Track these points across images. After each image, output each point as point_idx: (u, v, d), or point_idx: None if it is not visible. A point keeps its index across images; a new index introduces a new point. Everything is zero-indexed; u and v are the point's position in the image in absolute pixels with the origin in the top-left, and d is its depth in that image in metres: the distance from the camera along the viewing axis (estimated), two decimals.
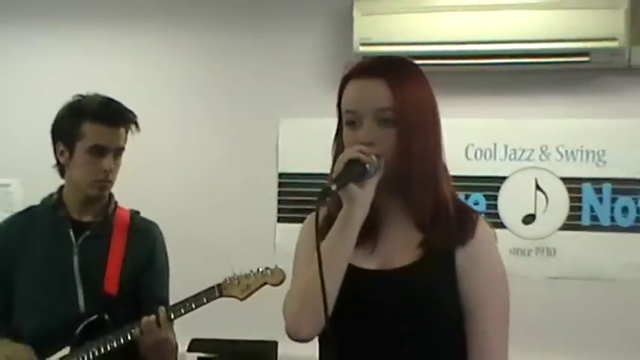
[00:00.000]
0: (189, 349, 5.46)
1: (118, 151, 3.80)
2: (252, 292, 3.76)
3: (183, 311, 3.71)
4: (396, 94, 2.46)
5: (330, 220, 2.47)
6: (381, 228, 2.56)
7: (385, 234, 2.56)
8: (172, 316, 3.66)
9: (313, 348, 2.52)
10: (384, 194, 2.48)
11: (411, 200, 2.51)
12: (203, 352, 5.51)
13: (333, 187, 2.34)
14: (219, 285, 3.74)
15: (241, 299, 3.75)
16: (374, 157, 2.39)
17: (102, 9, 5.88)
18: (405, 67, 2.59)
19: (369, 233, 2.51)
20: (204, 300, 3.75)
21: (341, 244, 2.40)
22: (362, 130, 2.46)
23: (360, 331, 2.46)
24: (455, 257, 2.49)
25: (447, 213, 2.52)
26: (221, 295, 3.74)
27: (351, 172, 2.36)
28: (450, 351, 2.51)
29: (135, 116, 3.87)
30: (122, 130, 3.81)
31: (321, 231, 2.36)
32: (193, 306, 3.74)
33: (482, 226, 2.54)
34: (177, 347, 3.89)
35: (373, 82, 2.49)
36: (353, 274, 2.42)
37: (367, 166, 2.37)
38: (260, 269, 3.76)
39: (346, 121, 2.51)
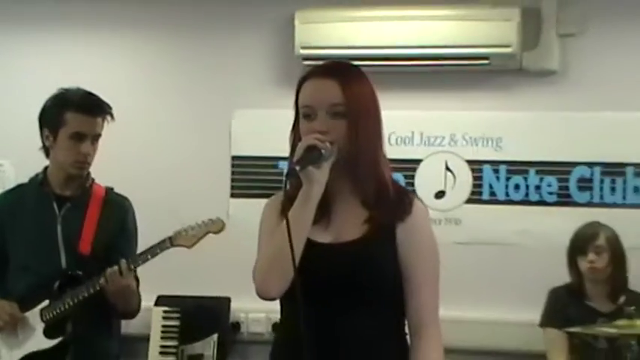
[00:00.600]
0: (156, 304, 5.52)
1: (96, 137, 3.82)
2: (198, 241, 3.76)
3: (140, 262, 3.72)
4: (345, 92, 2.50)
5: (291, 199, 2.47)
6: (333, 207, 2.57)
7: (337, 212, 2.58)
8: (132, 266, 3.65)
9: (256, 303, 2.61)
10: (335, 177, 2.50)
11: (358, 182, 2.55)
12: (167, 306, 5.55)
13: (297, 169, 2.39)
14: (170, 237, 3.74)
15: (189, 247, 3.76)
16: (328, 144, 2.43)
17: (85, 20, 5.83)
18: (352, 70, 2.64)
19: (324, 212, 2.53)
20: (158, 250, 3.75)
21: (302, 217, 2.43)
22: (317, 122, 2.50)
23: (317, 294, 2.44)
24: (395, 231, 2.53)
25: (388, 193, 2.56)
26: (172, 245, 3.74)
27: (309, 156, 2.40)
28: (391, 307, 2.55)
29: (110, 108, 3.88)
30: (99, 119, 3.82)
31: (285, 207, 2.45)
32: (149, 256, 3.74)
33: (417, 204, 2.59)
34: (140, 295, 3.88)
35: (326, 82, 2.53)
36: (311, 246, 2.46)
37: (323, 151, 2.41)
38: (203, 220, 3.77)
39: (303, 114, 2.55)
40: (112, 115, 3.88)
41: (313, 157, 2.40)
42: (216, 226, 3.76)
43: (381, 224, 2.53)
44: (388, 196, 2.55)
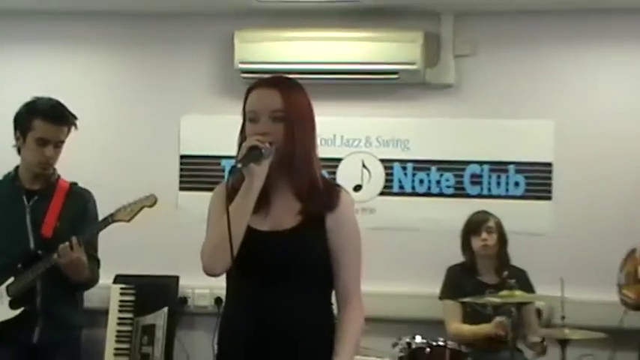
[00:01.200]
0: (114, 282, 5.50)
1: (58, 143, 3.78)
2: (135, 215, 3.73)
3: (88, 236, 3.70)
4: (284, 100, 2.50)
5: (235, 190, 2.47)
6: (271, 199, 2.55)
7: (274, 204, 2.56)
8: (80, 241, 3.60)
9: (201, 280, 2.64)
10: (274, 173, 2.49)
11: (293, 178, 2.54)
12: (124, 283, 5.54)
13: (239, 166, 2.39)
14: (111, 214, 3.74)
15: (127, 221, 3.73)
16: (268, 145, 2.43)
17: (58, 39, 5.84)
18: (291, 82, 2.64)
19: (263, 203, 2.51)
20: (102, 225, 3.76)
21: (244, 207, 2.43)
22: (259, 125, 2.49)
23: (256, 274, 2.47)
24: (325, 220, 2.53)
25: (319, 188, 2.55)
26: (113, 221, 3.73)
27: (251, 155, 2.40)
28: (320, 284, 2.55)
29: (75, 118, 3.84)
30: (64, 128, 3.79)
31: (229, 198, 2.42)
32: (94, 231, 3.78)
33: (344, 196, 2.60)
34: (95, 273, 3.83)
35: (269, 91, 2.53)
36: (251, 233, 2.46)
37: (263, 150, 2.41)
38: (139, 197, 3.75)
39: (248, 118, 2.53)
40: (75, 125, 3.86)
41: (254, 155, 2.41)
42: (149, 201, 3.75)
43: (313, 214, 2.53)
44: (319, 190, 2.55)
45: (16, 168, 3.88)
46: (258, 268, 2.47)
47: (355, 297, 2.59)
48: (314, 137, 2.61)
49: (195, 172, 5.70)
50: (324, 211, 2.54)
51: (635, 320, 4.65)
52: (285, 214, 2.55)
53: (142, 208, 3.74)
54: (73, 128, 3.86)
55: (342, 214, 2.56)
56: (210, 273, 2.48)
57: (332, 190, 2.59)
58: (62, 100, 3.91)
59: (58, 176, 3.92)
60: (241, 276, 2.44)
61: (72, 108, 3.88)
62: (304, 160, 2.54)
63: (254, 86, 2.60)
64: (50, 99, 3.87)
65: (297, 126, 2.52)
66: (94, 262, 3.85)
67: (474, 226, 4.95)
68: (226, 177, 2.60)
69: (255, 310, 2.46)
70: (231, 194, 2.45)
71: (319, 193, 2.55)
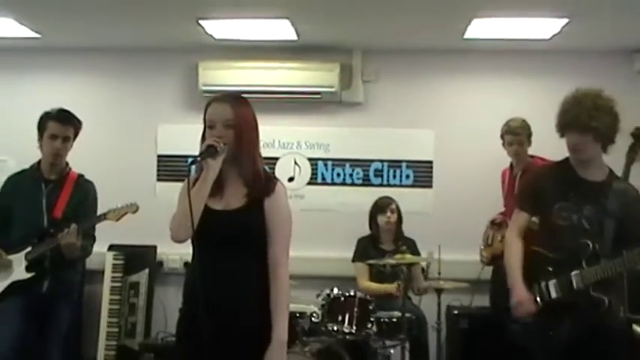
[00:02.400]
0: (108, 250, 5.49)
1: (65, 139, 3.74)
2: (120, 218, 3.64)
3: (85, 227, 3.64)
4: (234, 112, 2.48)
5: (196, 179, 2.46)
6: (224, 185, 2.52)
7: (226, 189, 2.53)
8: (79, 229, 3.56)
9: (173, 249, 2.66)
10: (226, 166, 2.48)
11: (241, 170, 2.51)
12: (116, 251, 5.53)
13: (199, 159, 2.42)
14: (103, 214, 3.69)
15: (115, 221, 3.65)
16: (222, 145, 2.43)
17: (63, 68, 5.82)
18: (239, 98, 2.61)
19: (217, 189, 2.49)
20: (96, 221, 3.72)
21: (202, 190, 2.42)
22: (215, 130, 2.47)
23: (211, 243, 2.42)
24: (264, 203, 2.50)
25: (260, 178, 2.53)
26: (105, 219, 3.67)
27: (209, 151, 2.42)
28: (259, 256, 2.49)
29: (79, 122, 3.81)
30: (70, 127, 3.75)
31: (192, 184, 2.42)
32: (91, 224, 3.72)
33: (279, 186, 2.57)
34: (86, 249, 3.75)
35: (222, 105, 2.51)
36: (208, 211, 2.45)
37: (218, 148, 2.41)
38: (126, 204, 3.65)
39: (207, 125, 2.51)
40: (79, 127, 3.82)
41: (211, 152, 2.41)
42: (132, 208, 3.65)
43: (255, 198, 2.50)
44: (260, 180, 2.53)
45: (38, 161, 3.84)
46: (213, 238, 2.44)
47: (282, 268, 2.53)
48: (257, 140, 2.59)
49: (169, 167, 5.67)
50: (263, 196, 2.51)
51: (487, 274, 4.71)
52: (234, 197, 2.52)
53: (125, 214, 3.65)
54: (78, 130, 3.82)
55: (277, 200, 2.54)
56: (176, 240, 2.47)
57: (270, 181, 2.57)
58: None
59: (70, 169, 3.87)
60: (199, 244, 2.41)
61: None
62: (249, 157, 2.52)
63: (211, 101, 2.58)
64: (60, 108, 3.85)
65: (244, 131, 2.50)
66: (91, 238, 3.80)
67: (381, 207, 5.00)
68: (191, 169, 2.57)
69: (209, 271, 2.41)
70: (194, 183, 2.45)
71: (261, 182, 2.53)
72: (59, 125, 3.75)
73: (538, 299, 3.03)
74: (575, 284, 2.92)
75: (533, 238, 3.14)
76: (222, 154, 2.44)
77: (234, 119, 2.49)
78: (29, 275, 3.64)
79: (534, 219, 3.19)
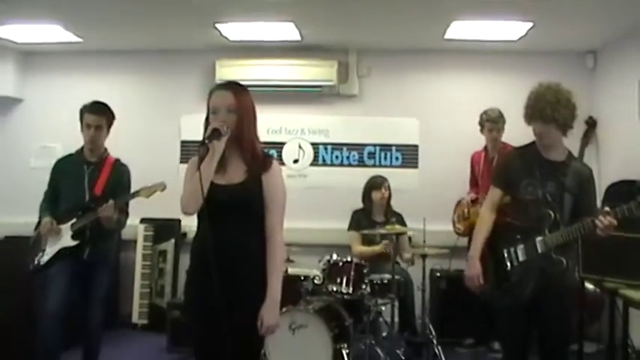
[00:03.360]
0: (140, 222, 5.52)
1: (98, 127, 3.71)
2: (150, 195, 3.59)
3: (120, 202, 3.62)
4: (236, 99, 2.45)
5: (202, 158, 2.40)
6: (227, 164, 2.48)
7: (229, 166, 2.49)
8: (115, 204, 3.55)
9: (193, 222, 2.49)
10: (229, 147, 2.44)
11: (241, 150, 2.48)
12: (147, 224, 5.56)
13: (207, 141, 2.38)
14: (137, 191, 3.64)
15: (146, 197, 3.60)
16: (225, 128, 2.40)
17: (99, 68, 5.83)
18: (239, 86, 2.54)
19: (221, 166, 2.45)
20: (129, 197, 3.68)
21: (209, 168, 2.38)
22: (219, 115, 2.44)
23: (216, 214, 2.36)
24: (262, 178, 2.48)
25: (258, 157, 2.50)
26: (138, 195, 3.62)
27: (214, 134, 2.38)
28: (258, 224, 2.47)
29: (111, 112, 3.78)
30: (102, 117, 3.73)
31: (200, 162, 2.38)
32: (125, 200, 3.68)
33: (275, 163, 2.53)
34: (121, 222, 3.71)
35: (225, 92, 2.47)
36: (213, 186, 2.40)
37: (222, 131, 2.38)
38: (155, 183, 3.59)
39: (211, 111, 2.47)
40: (112, 117, 3.78)
41: (216, 134, 2.38)
42: (160, 187, 3.59)
43: (254, 174, 2.48)
44: (258, 158, 2.50)
45: (82, 147, 3.83)
46: (218, 209, 2.38)
47: (277, 234, 2.49)
48: (256, 124, 2.54)
49: (190, 151, 5.60)
50: (261, 172, 2.49)
51: (463, 242, 4.70)
52: (235, 174, 2.49)
53: (155, 192, 3.61)
54: (111, 120, 3.77)
55: (273, 175, 2.51)
56: (187, 212, 2.42)
57: (267, 159, 2.53)
58: None
59: (108, 154, 3.86)
60: (206, 214, 2.36)
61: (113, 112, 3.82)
62: (249, 139, 2.49)
63: (214, 88, 2.55)
64: (94, 101, 3.82)
65: (245, 116, 2.47)
66: (125, 213, 3.77)
67: (376, 184, 4.95)
68: (200, 150, 2.48)
69: (214, 239, 2.35)
70: (199, 163, 2.41)
71: (259, 160, 2.50)
72: (92, 116, 3.73)
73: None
74: (539, 248, 2.95)
75: (507, 210, 3.17)
76: (226, 136, 2.41)
77: (236, 105, 2.45)
78: (74, 243, 3.65)
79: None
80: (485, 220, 3.15)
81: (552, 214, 2.93)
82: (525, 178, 3.01)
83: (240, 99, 2.47)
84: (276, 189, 2.52)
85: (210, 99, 2.50)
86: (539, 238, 2.95)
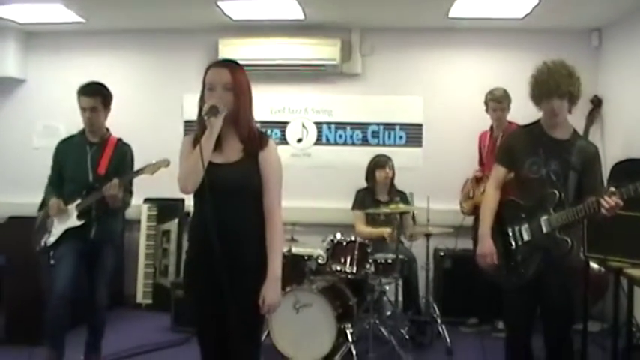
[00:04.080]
0: (144, 202, 5.54)
1: (93, 109, 3.67)
2: (155, 172, 3.57)
3: (124, 180, 3.62)
4: (232, 76, 2.41)
5: (197, 138, 2.38)
6: (223, 142, 2.45)
7: (225, 146, 2.46)
8: (120, 182, 3.55)
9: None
10: (225, 125, 2.39)
11: (238, 128, 2.45)
12: (150, 204, 5.59)
13: (205, 118, 2.34)
14: (141, 168, 3.63)
15: (151, 174, 3.59)
16: (222, 106, 2.36)
17: (100, 48, 5.81)
18: (236, 64, 2.49)
19: (218, 145, 2.41)
20: (134, 176, 3.67)
21: (207, 145, 2.34)
22: (216, 92, 2.40)
23: (213, 192, 2.31)
24: (258, 156, 2.45)
25: (254, 135, 2.47)
26: (142, 173, 3.61)
27: (212, 111, 2.34)
28: (256, 202, 2.44)
29: (108, 91, 3.72)
30: (96, 98, 3.67)
31: (197, 141, 2.36)
32: (129, 178, 3.68)
33: (271, 142, 2.51)
34: (125, 201, 3.72)
35: (222, 70, 2.44)
36: (210, 165, 2.36)
37: (219, 109, 2.35)
38: (159, 159, 3.57)
39: (207, 88, 2.43)
40: (107, 97, 3.73)
41: (214, 111, 2.34)
42: (164, 163, 3.57)
43: (250, 152, 2.46)
44: (254, 137, 2.48)
45: (83, 128, 3.79)
46: (215, 188, 2.34)
47: (276, 212, 2.47)
48: (251, 102, 2.49)
49: (193, 130, 5.51)
50: (257, 150, 2.46)
51: (469, 221, 4.70)
52: (232, 152, 2.46)
53: (159, 168, 3.59)
54: (108, 99, 3.72)
55: (269, 153, 2.48)
56: (184, 191, 2.40)
57: (262, 138, 2.51)
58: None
59: (110, 134, 3.84)
60: (204, 193, 2.32)
61: (114, 92, 3.77)
62: (245, 117, 2.46)
63: (211, 65, 2.49)
64: (88, 82, 3.76)
65: (241, 94, 2.43)
66: (129, 193, 3.78)
67: (380, 163, 4.91)
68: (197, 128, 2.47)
69: (214, 216, 2.33)
70: (195, 141, 2.41)
71: (254, 138, 2.48)
72: (85, 98, 3.70)
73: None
74: (544, 228, 2.95)
75: (510, 189, 3.16)
76: (223, 114, 2.37)
77: (233, 83, 2.41)
78: (80, 223, 3.66)
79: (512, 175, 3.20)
80: (490, 197, 3.14)
81: (557, 194, 2.91)
82: (529, 157, 2.99)
83: (237, 77, 2.44)
84: (273, 167, 2.50)
85: (207, 76, 2.46)
86: (543, 218, 2.94)
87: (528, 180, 3.00)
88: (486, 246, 3.04)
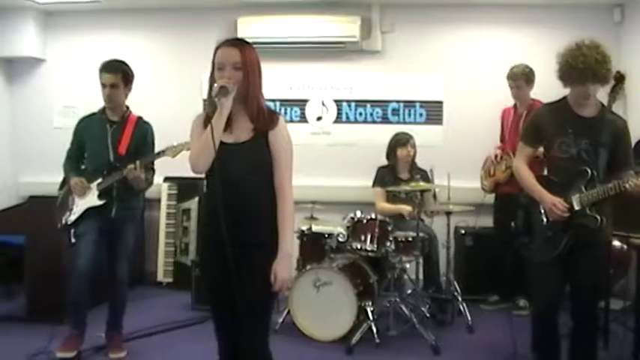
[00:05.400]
0: (164, 181, 5.53)
1: (113, 85, 3.66)
2: (177, 154, 3.59)
3: (147, 162, 3.64)
4: (242, 56, 2.38)
5: (209, 117, 2.38)
6: (233, 121, 2.43)
7: (236, 125, 2.44)
8: (141, 163, 3.58)
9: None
10: (235, 104, 2.39)
11: (247, 108, 2.43)
12: (170, 182, 5.57)
13: (216, 100, 2.32)
14: (162, 150, 3.65)
15: (172, 157, 3.61)
16: (232, 85, 2.35)
17: (120, 27, 5.80)
18: (246, 43, 2.45)
19: (228, 125, 2.40)
20: (156, 157, 3.68)
21: (217, 125, 2.33)
22: (225, 72, 2.37)
23: (224, 170, 2.32)
24: (268, 135, 2.44)
25: (264, 114, 2.45)
26: (163, 155, 3.63)
27: (222, 91, 2.32)
28: (267, 179, 2.44)
29: (128, 68, 3.72)
30: (116, 74, 3.66)
31: (208, 121, 2.36)
32: (151, 159, 3.68)
33: (281, 119, 2.49)
34: (149, 181, 3.73)
35: (232, 49, 2.40)
36: (221, 144, 2.36)
37: (229, 88, 2.33)
38: (180, 142, 3.55)
39: (217, 67, 2.40)
40: (128, 74, 3.71)
41: (224, 91, 2.33)
42: (187, 145, 3.48)
43: (260, 131, 2.45)
44: (264, 115, 2.46)
45: (104, 106, 3.78)
46: (225, 167, 2.35)
47: (287, 189, 2.47)
48: (261, 81, 2.47)
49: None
50: (267, 129, 2.45)
51: (490, 199, 4.72)
52: (242, 132, 2.45)
53: (181, 150, 3.57)
54: (128, 77, 3.71)
55: (279, 131, 2.47)
56: (196, 171, 2.40)
57: (272, 116, 2.49)
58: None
59: (130, 111, 3.81)
60: (214, 172, 2.33)
61: (135, 71, 3.76)
62: (255, 96, 2.44)
63: (220, 45, 2.45)
64: (109, 59, 3.74)
65: (250, 73, 2.40)
66: (151, 171, 3.75)
67: (402, 141, 4.85)
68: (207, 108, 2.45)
69: (226, 195, 2.33)
70: (206, 121, 2.40)
71: (264, 117, 2.46)
72: (106, 74, 3.68)
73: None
74: (575, 205, 2.94)
75: (539, 166, 3.16)
76: (233, 93, 2.35)
77: (242, 62, 2.38)
78: (101, 202, 3.67)
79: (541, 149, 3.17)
80: (523, 168, 3.11)
81: (589, 172, 2.91)
82: (559, 137, 2.97)
83: (247, 56, 2.40)
84: (283, 145, 2.48)
85: (216, 55, 2.43)
86: (575, 196, 2.93)
87: (559, 160, 2.98)
88: (548, 200, 2.97)
